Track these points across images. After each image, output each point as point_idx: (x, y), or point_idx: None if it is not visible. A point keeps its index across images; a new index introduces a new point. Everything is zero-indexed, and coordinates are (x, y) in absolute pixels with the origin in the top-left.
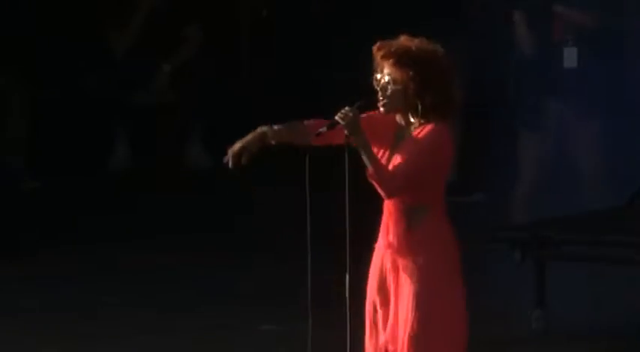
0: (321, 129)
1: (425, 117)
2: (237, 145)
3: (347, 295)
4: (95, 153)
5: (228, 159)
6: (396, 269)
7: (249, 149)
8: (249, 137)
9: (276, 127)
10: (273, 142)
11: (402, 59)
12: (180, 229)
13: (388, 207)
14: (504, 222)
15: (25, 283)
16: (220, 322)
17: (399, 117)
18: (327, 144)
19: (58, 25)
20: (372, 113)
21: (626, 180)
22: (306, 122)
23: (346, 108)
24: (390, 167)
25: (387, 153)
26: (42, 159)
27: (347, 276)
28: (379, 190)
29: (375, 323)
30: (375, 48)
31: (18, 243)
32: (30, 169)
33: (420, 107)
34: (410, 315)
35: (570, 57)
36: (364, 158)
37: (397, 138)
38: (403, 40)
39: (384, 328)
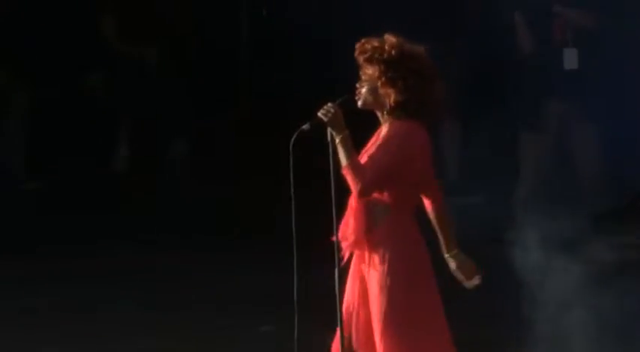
0: (304, 127)
1: (391, 114)
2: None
3: (337, 291)
4: (95, 153)
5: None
6: (364, 267)
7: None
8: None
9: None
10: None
11: (373, 56)
12: (180, 229)
13: (351, 203)
14: (504, 222)
15: (25, 283)
16: (220, 322)
17: (380, 117)
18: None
19: (58, 24)
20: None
21: (627, 181)
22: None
23: (328, 104)
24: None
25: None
26: (42, 159)
27: (336, 272)
28: (351, 187)
29: (347, 323)
30: (357, 45)
31: (18, 242)
32: (30, 169)
33: (387, 104)
34: (375, 320)
35: (570, 58)
36: (341, 154)
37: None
38: (385, 37)
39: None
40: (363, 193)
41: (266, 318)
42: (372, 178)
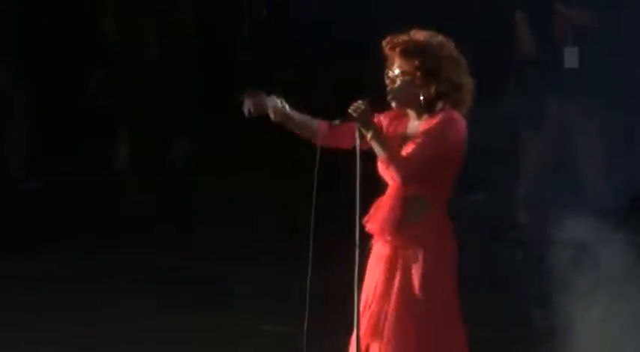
0: (334, 122)
1: (433, 106)
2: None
3: (355, 291)
4: (95, 153)
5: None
6: (393, 260)
7: (259, 104)
8: (265, 98)
9: (289, 109)
10: (274, 118)
11: (408, 49)
12: (180, 229)
13: (389, 196)
14: (505, 222)
15: (24, 283)
16: (220, 322)
17: (410, 112)
18: (334, 147)
19: (58, 24)
20: (385, 113)
21: (628, 180)
22: (317, 121)
23: (358, 101)
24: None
25: (398, 146)
26: (42, 159)
27: (355, 269)
28: (394, 176)
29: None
30: (384, 42)
31: (18, 242)
32: (30, 169)
33: (427, 96)
34: (399, 313)
35: (571, 57)
36: (376, 147)
37: (408, 132)
38: (412, 32)
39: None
40: (406, 181)
41: (267, 317)
42: (415, 166)
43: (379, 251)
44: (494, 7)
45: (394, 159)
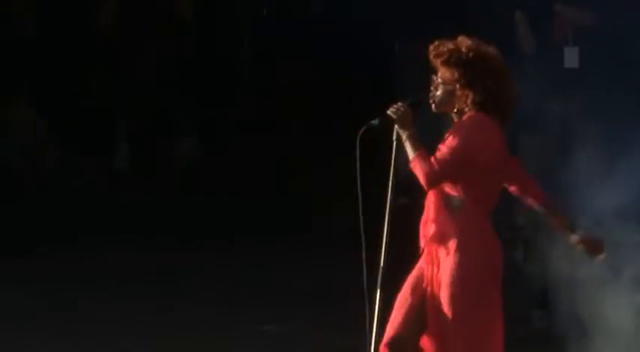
0: (372, 122)
1: (466, 112)
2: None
3: (377, 296)
4: (96, 153)
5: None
6: (435, 262)
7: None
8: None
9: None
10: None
11: (450, 59)
12: (180, 229)
13: (430, 198)
14: (505, 222)
15: (25, 283)
16: (220, 322)
17: (453, 115)
18: None
19: (59, 23)
20: None
21: (627, 181)
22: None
23: (398, 103)
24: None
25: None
26: (44, 159)
27: (380, 270)
28: (419, 179)
29: (400, 307)
30: (430, 47)
31: (18, 242)
32: (31, 169)
33: (464, 105)
34: (440, 316)
35: (571, 57)
36: (409, 149)
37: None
38: (459, 40)
39: (407, 317)
40: (430, 182)
41: (267, 318)
42: (439, 167)
43: (425, 256)
44: (494, 7)
45: (418, 161)
